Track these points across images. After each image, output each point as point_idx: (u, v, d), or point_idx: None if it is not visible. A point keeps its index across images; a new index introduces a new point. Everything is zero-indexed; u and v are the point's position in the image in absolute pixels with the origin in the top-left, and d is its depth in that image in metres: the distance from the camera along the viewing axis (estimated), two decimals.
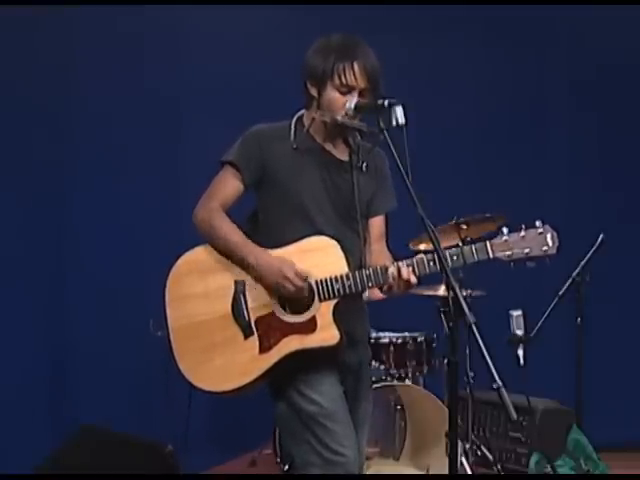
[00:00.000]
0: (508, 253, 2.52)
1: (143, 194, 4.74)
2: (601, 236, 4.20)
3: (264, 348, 2.59)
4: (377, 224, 2.84)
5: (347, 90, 2.60)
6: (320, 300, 2.58)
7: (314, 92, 2.66)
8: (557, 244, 2.53)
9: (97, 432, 3.98)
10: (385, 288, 2.57)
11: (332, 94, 2.61)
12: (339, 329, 2.57)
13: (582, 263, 4.22)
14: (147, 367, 4.49)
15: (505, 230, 2.53)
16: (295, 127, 2.70)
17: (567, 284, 4.23)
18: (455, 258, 2.52)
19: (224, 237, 2.64)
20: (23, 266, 4.48)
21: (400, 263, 2.55)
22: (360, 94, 2.60)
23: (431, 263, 2.52)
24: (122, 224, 4.69)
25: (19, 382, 4.38)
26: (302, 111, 2.75)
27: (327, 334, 2.57)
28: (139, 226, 4.68)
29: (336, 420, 2.59)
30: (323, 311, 2.58)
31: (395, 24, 5.07)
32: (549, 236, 2.52)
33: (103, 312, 4.62)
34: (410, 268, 2.52)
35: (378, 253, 2.78)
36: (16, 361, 4.39)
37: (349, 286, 2.56)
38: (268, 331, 2.59)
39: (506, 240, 2.53)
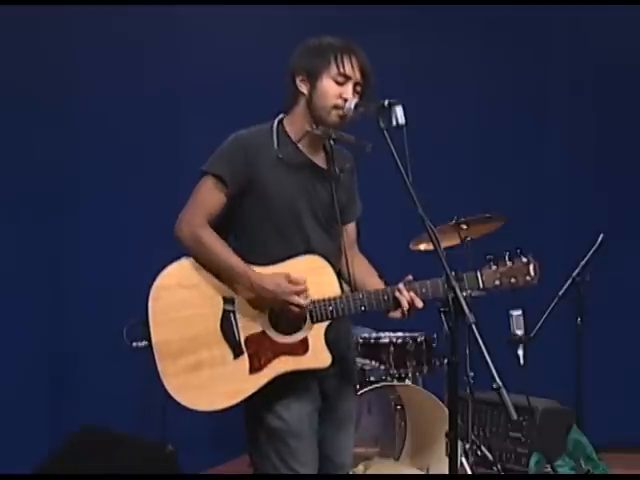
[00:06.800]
0: (497, 283, 2.53)
1: (143, 197, 4.72)
2: (601, 236, 4.21)
3: (255, 368, 2.52)
4: (351, 230, 2.82)
5: (343, 80, 2.56)
6: (313, 321, 2.54)
7: (305, 88, 2.61)
8: (539, 275, 2.54)
9: (97, 432, 3.99)
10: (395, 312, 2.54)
11: (327, 83, 2.57)
12: (331, 352, 2.54)
13: (582, 263, 4.24)
14: (147, 367, 4.47)
15: (492, 259, 2.54)
16: (277, 133, 2.63)
17: (567, 284, 4.24)
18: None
19: (216, 256, 2.54)
20: (23, 266, 4.47)
21: (401, 286, 2.51)
22: (353, 89, 2.58)
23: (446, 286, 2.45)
24: (122, 227, 4.67)
25: (19, 382, 4.38)
26: (281, 115, 2.68)
27: (320, 357, 2.54)
28: (139, 229, 4.65)
29: (299, 438, 2.55)
30: (315, 333, 2.54)
31: (395, 24, 5.07)
32: (532, 267, 2.54)
33: (103, 312, 4.61)
34: (412, 292, 2.50)
35: (354, 260, 2.75)
36: (16, 361, 4.38)
37: (342, 308, 2.53)
38: (259, 351, 2.53)
39: (496, 269, 2.53)
